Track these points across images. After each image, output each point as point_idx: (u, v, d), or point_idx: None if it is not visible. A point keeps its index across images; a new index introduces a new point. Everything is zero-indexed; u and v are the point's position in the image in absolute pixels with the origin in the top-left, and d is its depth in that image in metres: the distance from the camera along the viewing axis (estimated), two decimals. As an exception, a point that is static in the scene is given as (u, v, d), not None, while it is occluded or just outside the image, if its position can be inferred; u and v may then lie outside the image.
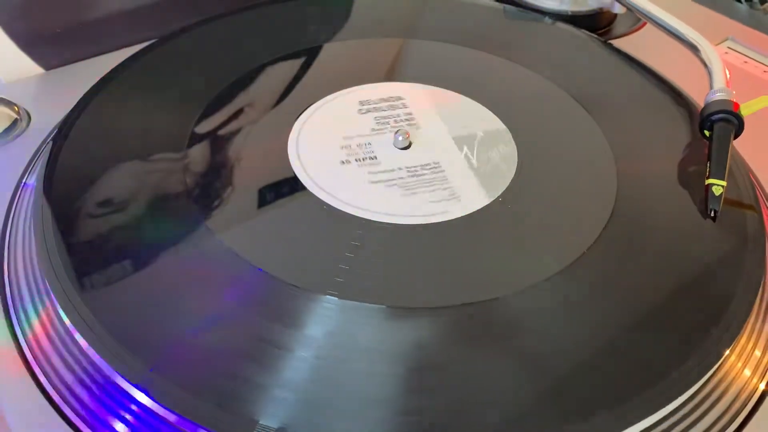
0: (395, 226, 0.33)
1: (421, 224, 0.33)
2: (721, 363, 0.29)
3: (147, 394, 0.26)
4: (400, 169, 0.36)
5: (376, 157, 0.37)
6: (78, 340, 0.29)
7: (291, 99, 0.41)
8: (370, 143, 0.38)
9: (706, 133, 0.37)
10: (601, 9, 0.50)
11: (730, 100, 0.37)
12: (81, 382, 0.28)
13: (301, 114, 0.39)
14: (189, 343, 0.28)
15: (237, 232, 0.33)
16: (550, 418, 0.27)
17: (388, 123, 0.39)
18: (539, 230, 0.34)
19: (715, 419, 0.29)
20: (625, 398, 0.27)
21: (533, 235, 0.34)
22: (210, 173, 0.36)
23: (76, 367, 0.28)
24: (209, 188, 0.35)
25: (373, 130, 0.39)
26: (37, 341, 0.30)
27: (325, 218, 0.33)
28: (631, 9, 0.47)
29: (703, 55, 0.41)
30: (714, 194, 0.34)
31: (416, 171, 0.36)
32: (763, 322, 0.32)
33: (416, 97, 0.41)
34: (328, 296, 0.29)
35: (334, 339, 0.29)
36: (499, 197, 0.35)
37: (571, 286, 0.31)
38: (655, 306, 0.31)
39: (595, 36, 0.48)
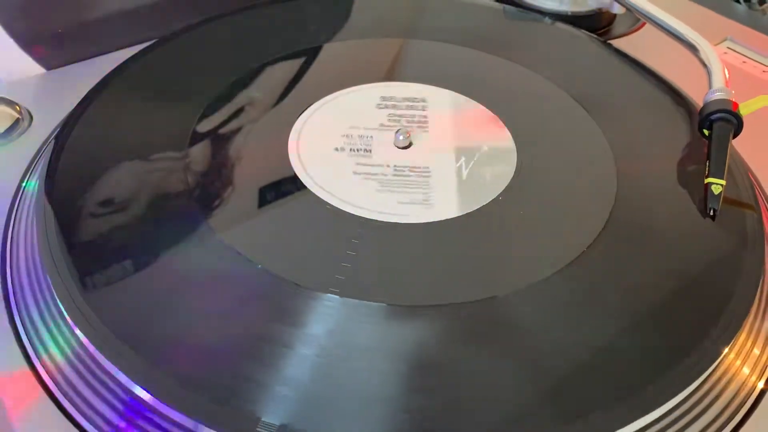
0: (396, 225, 0.33)
1: (422, 223, 0.33)
2: (720, 361, 0.29)
3: (149, 391, 0.27)
4: (387, 166, 0.37)
5: (370, 151, 0.37)
6: (80, 337, 0.29)
7: (291, 98, 0.41)
8: (371, 136, 0.38)
9: (705, 132, 0.37)
10: (600, 9, 0.50)
11: (729, 100, 0.37)
12: (83, 378, 0.28)
13: (302, 113, 0.39)
14: (192, 341, 0.28)
15: (238, 231, 0.33)
16: (550, 415, 0.27)
17: (399, 121, 0.39)
18: (539, 229, 0.34)
19: (714, 417, 0.29)
20: (625, 396, 0.27)
21: (533, 234, 0.34)
22: (211, 172, 0.36)
23: (79, 365, 0.29)
24: (210, 187, 0.35)
25: (381, 125, 0.39)
26: (39, 338, 0.30)
27: (324, 217, 0.34)
28: (630, 9, 0.47)
29: (702, 55, 0.41)
30: (713, 193, 0.34)
31: (402, 171, 0.36)
32: (762, 320, 0.32)
33: (440, 102, 0.41)
34: (329, 294, 0.30)
35: (335, 337, 0.29)
36: (473, 211, 0.34)
37: (570, 285, 0.31)
38: (654, 304, 0.31)
39: (595, 36, 0.48)
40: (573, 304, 0.31)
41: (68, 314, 0.29)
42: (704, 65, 0.41)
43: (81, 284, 0.30)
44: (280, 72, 0.43)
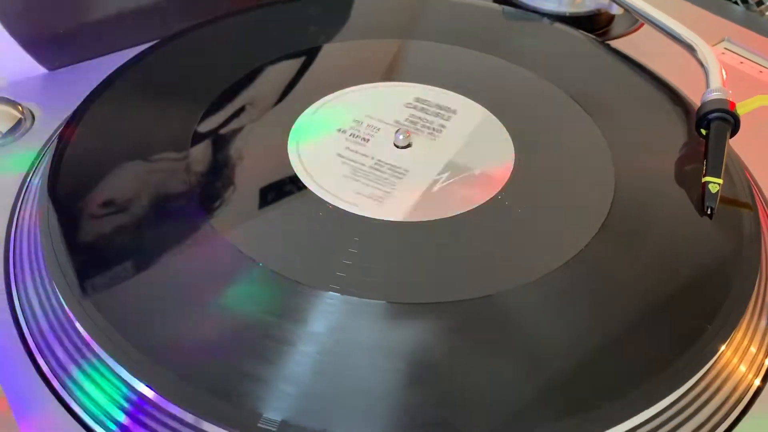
0: (336, 210, 0.34)
1: (424, 221, 0.34)
2: (717, 358, 0.29)
3: (151, 387, 0.27)
4: (372, 158, 0.37)
5: (367, 141, 0.38)
6: (82, 334, 0.29)
7: (292, 98, 0.41)
8: (379, 129, 0.39)
9: (703, 132, 0.38)
10: (599, 10, 0.51)
11: (727, 99, 0.37)
12: (86, 375, 0.28)
13: (302, 113, 0.40)
14: (194, 337, 0.29)
15: (239, 230, 0.33)
16: (547, 412, 0.27)
17: (415, 124, 0.40)
18: (538, 227, 0.34)
19: (711, 414, 0.29)
20: (621, 393, 0.27)
21: (532, 232, 0.34)
22: (213, 172, 0.36)
23: (82, 362, 0.29)
24: (212, 186, 0.35)
25: (396, 122, 0.40)
26: (43, 336, 0.30)
27: (324, 216, 0.34)
28: (628, 10, 0.48)
29: (700, 56, 0.42)
30: (710, 192, 0.34)
31: (380, 167, 0.37)
32: (759, 318, 0.32)
33: (468, 116, 0.40)
34: (330, 292, 0.30)
35: (335, 334, 0.29)
36: (416, 222, 0.34)
37: (569, 283, 0.31)
38: (651, 302, 0.31)
39: (594, 37, 0.48)
40: (570, 302, 0.31)
41: (72, 312, 0.29)
42: (702, 65, 0.41)
43: (83, 282, 0.30)
44: (281, 72, 0.43)
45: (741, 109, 0.38)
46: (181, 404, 0.26)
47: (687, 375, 0.28)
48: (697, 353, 0.29)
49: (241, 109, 0.40)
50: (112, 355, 0.28)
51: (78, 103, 0.40)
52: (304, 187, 0.35)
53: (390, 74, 0.44)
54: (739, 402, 0.30)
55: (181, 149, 0.37)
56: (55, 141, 0.38)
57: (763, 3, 0.60)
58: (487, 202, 0.35)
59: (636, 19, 0.52)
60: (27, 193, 0.37)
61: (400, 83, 0.42)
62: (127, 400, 0.27)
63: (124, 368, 0.27)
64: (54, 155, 0.36)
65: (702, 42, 0.42)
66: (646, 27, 0.49)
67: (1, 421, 0.28)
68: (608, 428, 0.27)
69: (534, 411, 0.27)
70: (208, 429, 0.26)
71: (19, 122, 0.41)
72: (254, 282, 0.31)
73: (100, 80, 0.41)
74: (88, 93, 0.40)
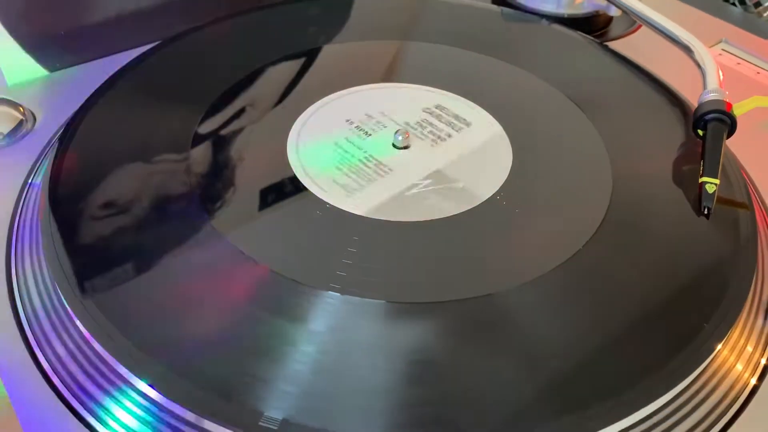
0: (306, 194, 0.34)
1: (423, 221, 0.34)
2: (714, 357, 0.30)
3: (153, 386, 0.27)
4: (365, 152, 0.38)
5: (370, 135, 0.39)
6: (84, 334, 0.29)
7: (292, 99, 0.41)
8: (386, 126, 0.39)
9: (700, 132, 0.38)
10: (597, 12, 0.51)
11: (723, 100, 0.38)
12: (88, 374, 0.29)
13: (302, 113, 0.40)
14: (195, 337, 0.29)
15: (239, 230, 0.33)
16: (545, 410, 0.27)
17: (424, 129, 0.40)
18: (537, 227, 0.34)
19: (708, 412, 0.29)
20: (618, 391, 0.28)
21: (531, 232, 0.34)
22: (214, 173, 0.36)
23: (84, 361, 0.29)
24: (213, 188, 0.35)
25: (406, 123, 0.40)
26: (45, 336, 0.31)
27: (324, 216, 0.34)
28: (626, 12, 0.48)
29: (697, 57, 0.42)
30: (707, 192, 0.34)
31: (368, 162, 0.37)
32: (756, 317, 0.32)
33: (481, 132, 0.40)
34: (330, 291, 0.30)
35: (336, 333, 0.29)
36: (372, 218, 0.34)
37: (568, 283, 0.32)
38: (648, 301, 0.31)
39: (592, 38, 0.48)
40: (568, 302, 0.31)
41: (73, 312, 0.30)
42: (699, 67, 0.41)
43: (84, 282, 0.30)
44: (282, 73, 0.43)
45: (738, 110, 0.38)
46: (182, 403, 0.27)
47: (684, 373, 0.29)
48: (694, 352, 0.29)
49: (242, 111, 0.40)
50: (113, 355, 0.28)
51: (79, 104, 0.40)
52: (304, 188, 0.35)
53: (403, 76, 0.44)
54: (736, 400, 0.30)
55: (181, 150, 0.37)
56: (56, 142, 0.38)
57: (760, 4, 0.61)
58: (483, 203, 0.35)
59: (634, 21, 0.52)
60: (28, 194, 0.37)
61: (427, 87, 0.42)
62: (128, 398, 0.28)
63: (126, 367, 0.28)
64: (55, 156, 0.36)
65: (699, 43, 0.43)
66: (644, 29, 0.49)
67: (4, 421, 0.29)
68: (606, 426, 0.27)
69: (532, 410, 0.27)
70: (210, 427, 0.26)
71: (20, 124, 0.42)
72: (255, 282, 0.31)
73: (102, 82, 0.41)
74: (89, 94, 0.40)
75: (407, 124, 0.40)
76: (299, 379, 0.27)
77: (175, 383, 0.27)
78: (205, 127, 0.39)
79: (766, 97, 0.41)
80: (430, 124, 0.40)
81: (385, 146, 0.38)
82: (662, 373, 0.28)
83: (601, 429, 0.27)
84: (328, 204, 0.35)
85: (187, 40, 0.45)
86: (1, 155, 0.40)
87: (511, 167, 0.37)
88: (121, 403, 0.28)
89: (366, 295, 0.30)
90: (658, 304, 0.31)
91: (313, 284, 0.30)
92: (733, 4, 0.61)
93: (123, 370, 0.28)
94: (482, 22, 0.49)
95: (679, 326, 0.30)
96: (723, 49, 0.51)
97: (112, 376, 0.28)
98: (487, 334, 0.30)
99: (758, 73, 0.49)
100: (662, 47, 0.45)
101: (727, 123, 0.37)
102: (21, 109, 0.42)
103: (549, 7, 0.51)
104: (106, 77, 0.42)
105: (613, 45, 0.48)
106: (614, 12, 0.50)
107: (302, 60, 0.44)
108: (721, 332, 0.30)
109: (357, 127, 0.39)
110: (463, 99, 0.42)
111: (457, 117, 0.40)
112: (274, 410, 0.26)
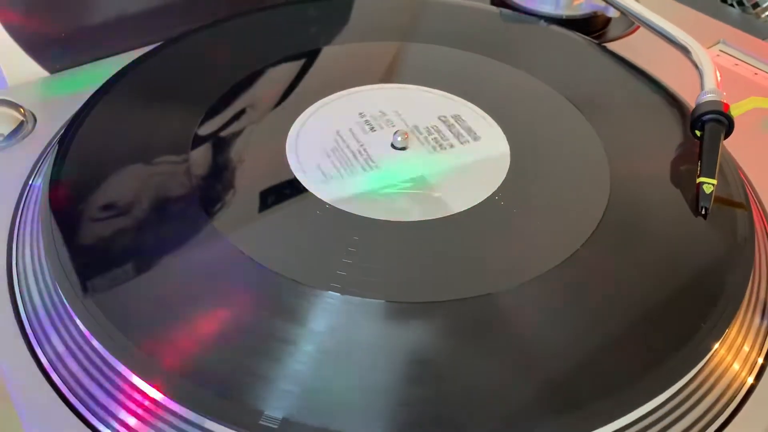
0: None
1: (422, 221, 0.34)
2: (711, 356, 0.30)
3: (153, 385, 0.27)
4: (361, 145, 0.38)
5: (374, 131, 0.39)
6: (85, 333, 0.29)
7: (292, 100, 0.42)
8: (394, 124, 0.40)
9: (698, 133, 0.38)
10: (595, 13, 0.51)
11: (721, 101, 0.38)
12: (89, 374, 0.29)
13: (300, 114, 0.40)
14: (196, 337, 0.29)
15: (240, 230, 0.33)
16: (543, 409, 0.27)
17: (430, 134, 0.40)
18: (535, 227, 0.35)
19: (704, 411, 0.29)
20: (616, 390, 0.28)
21: (530, 232, 0.34)
22: (214, 174, 0.36)
23: (84, 361, 0.29)
24: (213, 188, 0.35)
25: (415, 126, 0.40)
26: (46, 336, 0.31)
27: (324, 216, 0.34)
28: (624, 13, 0.48)
29: (695, 57, 0.42)
30: (705, 192, 0.35)
31: (359, 155, 0.38)
32: (753, 316, 0.33)
33: (487, 148, 0.39)
34: (330, 291, 0.30)
35: (336, 332, 0.29)
36: (334, 207, 0.34)
37: (566, 282, 0.32)
38: (646, 301, 0.31)
39: (590, 39, 0.48)
40: (567, 301, 0.31)
41: (75, 312, 0.30)
42: (696, 67, 0.42)
43: (85, 282, 0.31)
44: (282, 74, 0.43)
45: (735, 111, 0.38)
46: (183, 402, 0.27)
47: (681, 372, 0.29)
48: (691, 351, 0.29)
49: (242, 112, 0.40)
50: (114, 355, 0.28)
51: (79, 105, 0.40)
52: (304, 189, 0.36)
53: (403, 77, 0.44)
54: (733, 399, 0.30)
55: (181, 152, 0.37)
56: (57, 143, 0.38)
57: (758, 5, 0.61)
58: (485, 200, 0.35)
59: (632, 22, 0.52)
60: (29, 195, 0.37)
61: (453, 96, 0.42)
62: (129, 398, 0.28)
63: (127, 367, 0.28)
64: (56, 157, 0.36)
65: (697, 44, 0.43)
66: (642, 30, 0.49)
67: (4, 420, 0.29)
68: (604, 425, 0.27)
69: (532, 409, 0.27)
70: (211, 427, 0.26)
71: (20, 125, 0.42)
72: (255, 282, 0.31)
73: (102, 83, 0.41)
74: (89, 96, 0.40)
75: (416, 127, 0.40)
76: (299, 378, 0.28)
77: (176, 382, 0.27)
78: (206, 129, 0.39)
79: (764, 98, 0.41)
80: (439, 131, 0.40)
81: (383, 144, 0.39)
82: (660, 371, 0.28)
83: (599, 428, 0.27)
84: (302, 185, 0.35)
85: (188, 42, 0.45)
86: (1, 156, 0.40)
87: (510, 168, 0.37)
88: (122, 402, 0.28)
89: (366, 295, 0.30)
90: (656, 304, 0.31)
91: (314, 284, 0.30)
92: (731, 5, 0.62)
93: (123, 369, 0.28)
94: (480, 22, 0.49)
95: (676, 325, 0.30)
96: (721, 50, 0.52)
97: (112, 375, 0.28)
98: (487, 334, 0.30)
99: (756, 74, 0.49)
100: (660, 48, 0.45)
101: (725, 123, 0.38)
102: (21, 110, 0.43)
103: (547, 8, 0.51)
104: (106, 78, 0.42)
105: (612, 46, 0.49)
106: (612, 13, 0.50)
107: (302, 61, 0.44)
108: (718, 331, 0.30)
109: (366, 120, 0.40)
110: (482, 112, 0.41)
111: (469, 130, 0.40)
112: (275, 409, 0.26)
